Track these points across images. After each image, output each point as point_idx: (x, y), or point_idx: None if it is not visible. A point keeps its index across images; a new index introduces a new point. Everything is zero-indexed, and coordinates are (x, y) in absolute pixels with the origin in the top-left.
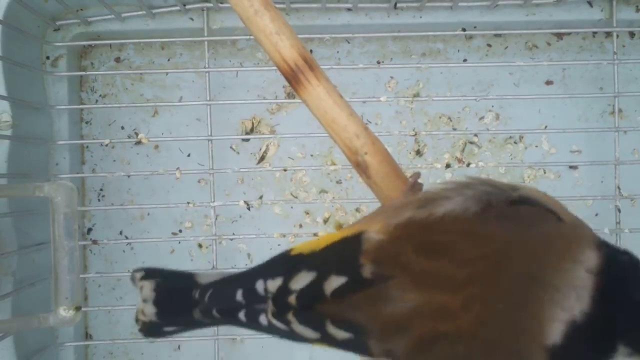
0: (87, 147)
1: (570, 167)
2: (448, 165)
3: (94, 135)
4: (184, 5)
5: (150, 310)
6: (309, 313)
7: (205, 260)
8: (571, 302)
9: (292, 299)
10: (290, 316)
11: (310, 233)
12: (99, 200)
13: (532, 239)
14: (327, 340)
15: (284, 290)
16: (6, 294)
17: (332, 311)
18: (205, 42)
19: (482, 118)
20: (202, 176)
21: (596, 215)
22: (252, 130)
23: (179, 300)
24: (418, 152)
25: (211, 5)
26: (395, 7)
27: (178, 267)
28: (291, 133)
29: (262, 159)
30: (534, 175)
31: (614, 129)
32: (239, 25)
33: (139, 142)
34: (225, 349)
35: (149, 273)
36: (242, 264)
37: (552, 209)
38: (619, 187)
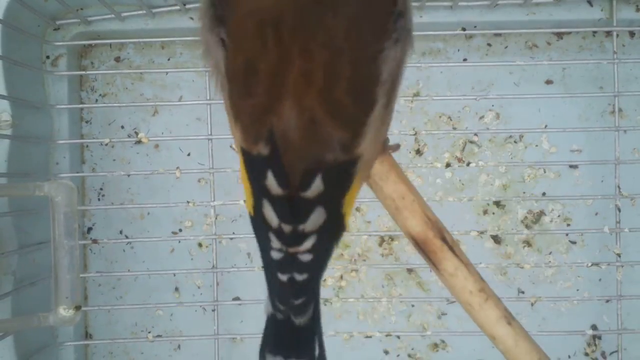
0: (87, 146)
1: (571, 166)
2: (448, 165)
3: (94, 134)
4: (184, 5)
5: None
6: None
7: (205, 259)
8: None
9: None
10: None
11: None
12: (99, 199)
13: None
14: None
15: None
16: (6, 293)
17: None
18: None
19: (482, 117)
20: (202, 175)
21: (596, 214)
22: None
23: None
24: (418, 152)
25: None
26: None
27: (177, 266)
28: None
29: None
30: (534, 175)
31: (614, 128)
32: None
33: (139, 142)
34: (225, 349)
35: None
36: (242, 264)
37: None
38: (619, 187)
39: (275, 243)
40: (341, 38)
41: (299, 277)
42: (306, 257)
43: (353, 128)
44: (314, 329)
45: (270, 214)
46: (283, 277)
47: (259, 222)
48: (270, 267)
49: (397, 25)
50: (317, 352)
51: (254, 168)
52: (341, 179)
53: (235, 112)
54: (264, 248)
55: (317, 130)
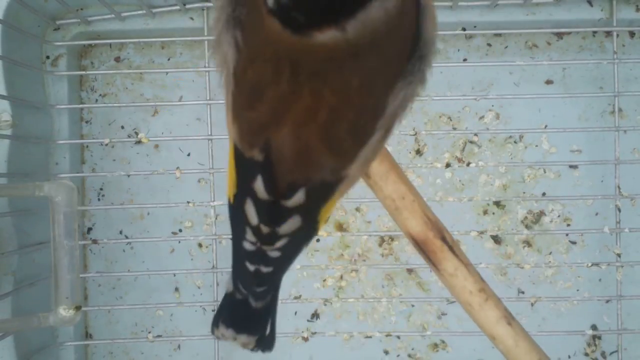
0: (87, 146)
1: (571, 166)
2: (448, 165)
3: (94, 134)
4: (184, 5)
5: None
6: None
7: (206, 259)
8: None
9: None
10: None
11: None
12: (99, 199)
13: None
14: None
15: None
16: (6, 294)
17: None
18: (205, 42)
19: (482, 117)
20: (202, 175)
21: (596, 214)
22: None
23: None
24: (418, 152)
25: (211, 4)
26: None
27: (177, 267)
28: None
29: None
30: (534, 175)
31: (614, 128)
32: None
33: (139, 142)
34: (225, 349)
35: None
36: None
37: None
38: (619, 187)
39: (250, 236)
40: (355, 89)
41: (265, 270)
42: (275, 254)
43: (346, 157)
44: (269, 312)
45: (252, 213)
46: (251, 267)
47: (238, 214)
48: (239, 255)
49: (415, 69)
50: (268, 331)
51: (245, 168)
52: (323, 194)
53: (235, 115)
54: (238, 237)
55: (310, 154)
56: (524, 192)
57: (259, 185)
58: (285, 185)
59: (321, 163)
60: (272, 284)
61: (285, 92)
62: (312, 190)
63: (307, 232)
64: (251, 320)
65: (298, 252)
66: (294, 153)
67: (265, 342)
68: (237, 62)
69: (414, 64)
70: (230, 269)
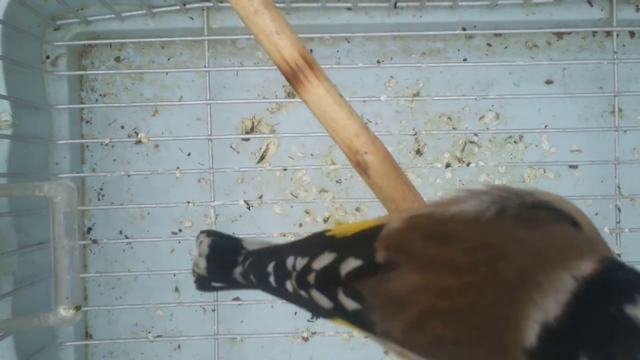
0: (87, 146)
1: (570, 166)
2: (448, 165)
3: (94, 134)
4: (184, 5)
5: (202, 264)
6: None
7: None
8: (549, 304)
9: (311, 277)
10: (310, 286)
11: (310, 233)
12: (99, 199)
13: (538, 238)
14: (340, 310)
15: (306, 268)
16: (6, 294)
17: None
18: (205, 42)
19: (482, 117)
20: (202, 175)
21: (596, 214)
22: (252, 130)
23: (226, 260)
24: (418, 152)
25: (211, 4)
26: (395, 6)
27: (177, 266)
28: (291, 132)
29: (262, 158)
30: (534, 175)
31: (614, 128)
32: (239, 24)
33: (139, 142)
34: (225, 349)
35: (210, 232)
36: None
37: (569, 213)
38: (619, 187)
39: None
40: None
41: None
42: None
43: None
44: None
45: (322, 301)
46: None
47: (300, 296)
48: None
49: None
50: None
51: (361, 244)
52: None
53: (411, 222)
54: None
55: (396, 308)
56: None
57: (352, 263)
58: (372, 293)
59: None
60: None
61: (453, 271)
62: None
63: None
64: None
65: None
66: (394, 294)
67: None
68: (464, 219)
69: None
70: None
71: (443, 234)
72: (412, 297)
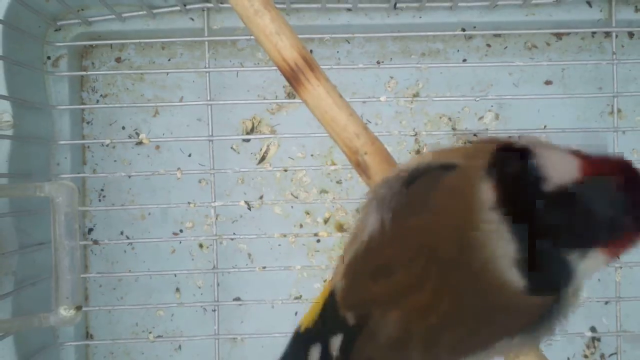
0: (88, 147)
1: None
2: None
3: (95, 135)
4: (185, 6)
5: None
6: None
7: (206, 260)
8: (503, 245)
9: None
10: None
11: (311, 233)
12: (99, 200)
13: (435, 204)
14: None
15: None
16: (7, 294)
17: None
18: (206, 42)
19: (481, 118)
20: (203, 176)
21: None
22: (252, 130)
23: None
24: (418, 152)
25: (212, 5)
26: (395, 7)
27: (178, 267)
28: (291, 133)
29: (262, 159)
30: None
31: (613, 129)
32: (239, 25)
33: (139, 142)
34: (225, 349)
35: None
36: (242, 264)
37: (446, 163)
38: None
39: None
40: (487, 325)
41: None
42: None
43: None
44: None
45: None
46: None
47: (300, 348)
48: None
49: (541, 324)
50: None
51: (331, 319)
52: None
53: (350, 272)
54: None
55: (404, 348)
56: None
57: (336, 342)
58: (361, 358)
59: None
60: None
61: (408, 285)
62: None
63: None
64: None
65: None
66: (389, 339)
67: None
68: (378, 235)
69: (544, 316)
70: (230, 270)
71: (383, 266)
72: (406, 332)
